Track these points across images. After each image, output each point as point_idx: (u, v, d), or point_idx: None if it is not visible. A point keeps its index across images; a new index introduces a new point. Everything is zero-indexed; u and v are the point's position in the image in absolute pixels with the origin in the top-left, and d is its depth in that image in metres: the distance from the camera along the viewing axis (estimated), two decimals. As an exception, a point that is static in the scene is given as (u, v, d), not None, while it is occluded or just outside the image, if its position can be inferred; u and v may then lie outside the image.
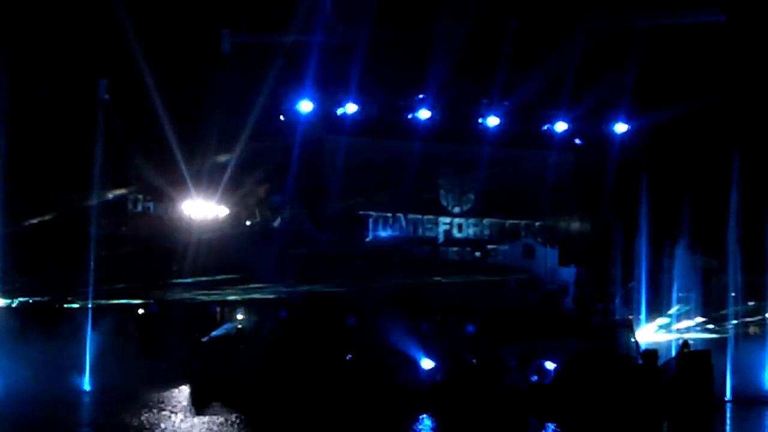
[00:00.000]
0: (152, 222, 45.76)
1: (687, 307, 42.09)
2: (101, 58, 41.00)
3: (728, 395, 36.44)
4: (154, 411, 29.35)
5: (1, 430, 26.39)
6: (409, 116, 38.79)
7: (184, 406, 31.42)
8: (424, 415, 30.61)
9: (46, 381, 30.43)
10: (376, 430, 29.40)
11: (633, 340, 37.43)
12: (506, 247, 41.21)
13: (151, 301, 40.59)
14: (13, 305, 37.18)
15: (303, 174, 37.96)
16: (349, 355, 33.32)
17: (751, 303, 43.60)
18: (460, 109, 39.47)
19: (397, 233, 40.16)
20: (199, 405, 31.41)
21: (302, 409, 30.47)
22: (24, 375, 30.34)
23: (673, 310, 41.76)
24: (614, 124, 40.01)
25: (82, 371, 33.05)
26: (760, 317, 42.54)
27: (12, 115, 33.80)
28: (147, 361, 35.87)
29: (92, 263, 34.90)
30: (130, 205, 45.50)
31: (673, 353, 37.69)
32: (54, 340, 33.31)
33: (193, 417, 29.12)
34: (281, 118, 38.52)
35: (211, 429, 27.04)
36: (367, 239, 40.05)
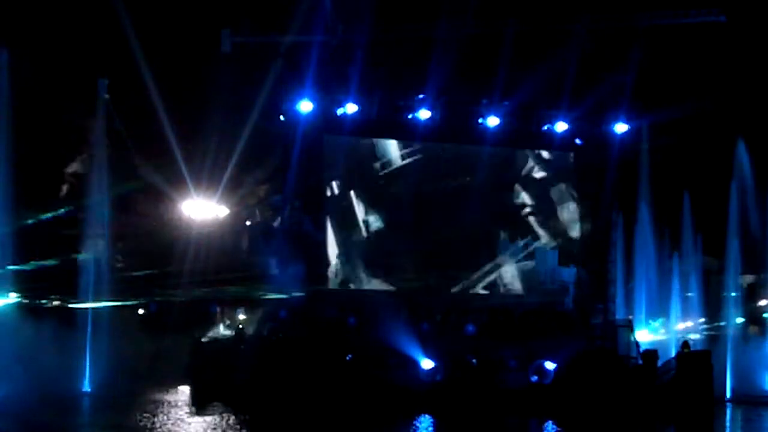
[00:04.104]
0: (152, 222, 45.74)
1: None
2: (101, 58, 40.98)
3: (728, 395, 36.48)
4: (154, 411, 29.35)
5: (1, 431, 26.39)
6: (409, 116, 38.77)
7: (184, 406, 31.41)
8: (424, 415, 30.60)
9: (45, 382, 30.39)
10: (376, 430, 29.41)
11: (633, 340, 37.48)
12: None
13: (151, 301, 40.57)
14: (11, 304, 37.16)
15: (303, 174, 37.94)
16: (349, 355, 33.31)
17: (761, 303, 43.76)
18: (460, 109, 39.45)
19: None
20: (199, 405, 31.41)
21: (302, 409, 30.47)
22: (24, 375, 30.29)
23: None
24: (614, 124, 39.99)
25: (82, 372, 33.04)
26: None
27: (12, 114, 33.79)
28: (147, 361, 35.84)
29: (92, 263, 34.89)
30: (130, 205, 45.46)
31: (673, 353, 37.73)
32: (53, 340, 33.25)
33: (193, 417, 29.12)
34: (281, 118, 38.51)
35: (211, 429, 27.04)
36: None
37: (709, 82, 43.59)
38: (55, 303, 38.68)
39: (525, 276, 40.17)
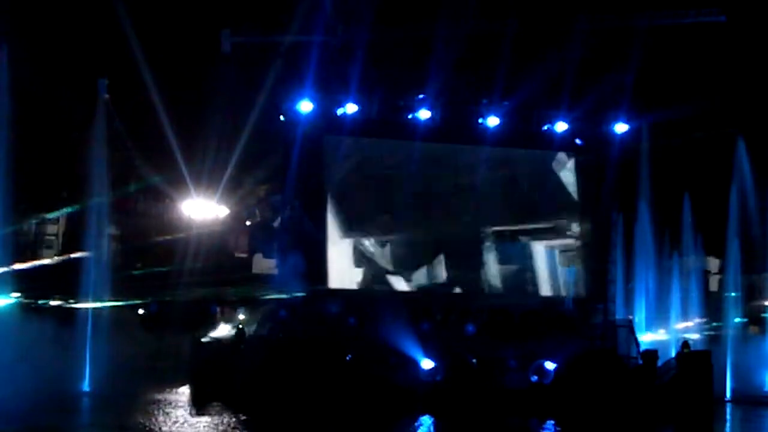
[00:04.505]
0: (152, 222, 45.79)
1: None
2: (101, 58, 41.01)
3: (728, 395, 36.47)
4: (155, 412, 29.35)
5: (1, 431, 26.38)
6: (409, 116, 38.77)
7: (184, 406, 31.41)
8: (424, 415, 30.60)
9: (45, 381, 30.36)
10: (376, 430, 29.40)
11: (633, 340, 37.49)
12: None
13: (151, 301, 40.59)
14: (12, 304, 37.18)
15: (303, 174, 37.93)
16: (349, 355, 33.31)
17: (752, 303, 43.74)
18: (460, 109, 39.44)
19: None
20: (199, 405, 31.40)
21: (302, 409, 30.47)
22: (26, 374, 30.26)
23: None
24: (614, 124, 39.98)
25: (82, 372, 33.02)
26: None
27: (12, 114, 33.80)
28: (147, 361, 35.83)
29: (92, 263, 34.87)
30: (130, 205, 45.52)
31: (673, 353, 37.72)
32: (53, 340, 33.22)
33: (193, 417, 29.12)
34: (281, 118, 38.50)
35: (211, 429, 27.04)
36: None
37: (709, 82, 43.60)
38: (56, 303, 38.71)
39: (525, 276, 40.16)
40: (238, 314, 39.46)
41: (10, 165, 32.86)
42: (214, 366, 34.32)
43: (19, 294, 37.47)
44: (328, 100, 37.93)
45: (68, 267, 37.91)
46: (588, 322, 38.73)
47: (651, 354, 35.81)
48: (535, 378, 34.20)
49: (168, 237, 43.77)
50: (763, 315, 45.69)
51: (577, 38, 40.70)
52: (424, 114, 38.50)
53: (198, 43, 43.16)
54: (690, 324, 43.26)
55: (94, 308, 34.11)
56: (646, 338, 40.03)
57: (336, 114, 38.07)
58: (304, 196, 38.20)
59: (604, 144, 40.21)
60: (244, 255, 43.15)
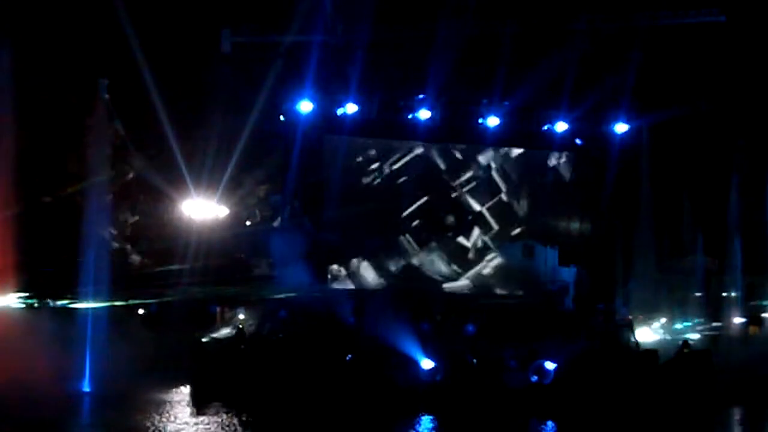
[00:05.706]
0: (152, 222, 45.78)
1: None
2: (101, 58, 41.00)
3: (727, 395, 36.42)
4: (155, 412, 29.35)
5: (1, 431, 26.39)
6: (409, 116, 38.81)
7: (184, 406, 31.41)
8: (424, 415, 30.60)
9: (45, 382, 30.38)
10: (376, 430, 29.41)
11: (633, 340, 37.50)
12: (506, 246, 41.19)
13: (151, 301, 40.59)
14: (12, 305, 37.19)
15: (303, 174, 38.01)
16: (349, 355, 33.32)
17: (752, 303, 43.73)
18: (460, 109, 39.48)
19: None
20: (199, 405, 31.40)
21: (302, 409, 30.48)
22: (24, 375, 30.27)
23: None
24: (614, 124, 40.03)
25: (82, 372, 33.02)
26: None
27: (12, 114, 33.83)
28: (147, 361, 35.81)
29: (92, 263, 34.87)
30: (130, 205, 45.51)
31: (673, 353, 37.68)
32: (54, 340, 33.24)
33: (193, 417, 29.12)
34: (281, 118, 38.55)
35: (211, 429, 27.05)
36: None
37: (709, 82, 43.61)
38: (56, 303, 38.71)
39: (525, 276, 40.19)
40: (238, 314, 39.45)
41: (9, 165, 32.91)
42: (214, 366, 34.34)
43: (20, 294, 37.52)
44: (328, 100, 37.99)
45: (68, 267, 37.87)
46: (588, 322, 38.77)
47: (651, 354, 35.81)
48: (535, 378, 34.18)
49: (168, 237, 43.75)
50: (762, 314, 45.63)
51: (577, 38, 40.76)
52: (424, 114, 38.54)
53: (198, 43, 43.14)
54: (690, 324, 43.25)
55: (94, 308, 34.11)
56: (646, 338, 40.03)
57: (336, 114, 38.12)
58: (304, 196, 38.27)
59: (604, 144, 40.26)
60: (243, 255, 43.09)
